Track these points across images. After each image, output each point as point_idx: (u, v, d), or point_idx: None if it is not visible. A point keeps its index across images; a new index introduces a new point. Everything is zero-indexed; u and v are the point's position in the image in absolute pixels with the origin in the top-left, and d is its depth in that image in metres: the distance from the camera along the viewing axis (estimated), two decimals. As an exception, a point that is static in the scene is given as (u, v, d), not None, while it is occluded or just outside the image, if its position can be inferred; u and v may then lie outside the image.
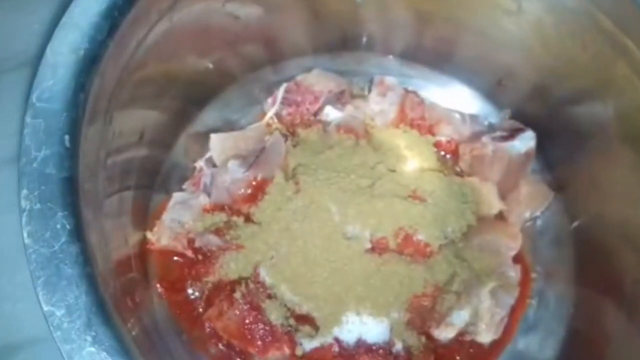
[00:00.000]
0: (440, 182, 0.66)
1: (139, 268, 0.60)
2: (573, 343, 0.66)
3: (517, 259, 0.68)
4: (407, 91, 0.77)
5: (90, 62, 0.43)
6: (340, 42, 0.79)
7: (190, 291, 0.65)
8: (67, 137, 0.40)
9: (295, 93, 0.76)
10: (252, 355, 0.61)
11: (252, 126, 0.75)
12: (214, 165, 0.72)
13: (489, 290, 0.64)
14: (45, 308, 0.36)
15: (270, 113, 0.76)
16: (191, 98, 0.72)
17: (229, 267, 0.64)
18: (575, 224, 0.70)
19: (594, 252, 0.67)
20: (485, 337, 0.64)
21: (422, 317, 0.61)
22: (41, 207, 0.38)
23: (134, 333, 0.50)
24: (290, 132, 0.75)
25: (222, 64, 0.73)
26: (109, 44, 0.45)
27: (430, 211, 0.62)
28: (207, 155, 0.73)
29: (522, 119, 0.73)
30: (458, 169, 0.73)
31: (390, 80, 0.77)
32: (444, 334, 0.63)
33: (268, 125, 0.76)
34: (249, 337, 0.60)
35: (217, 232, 0.66)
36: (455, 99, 0.78)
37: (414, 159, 0.69)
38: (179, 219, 0.67)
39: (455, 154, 0.73)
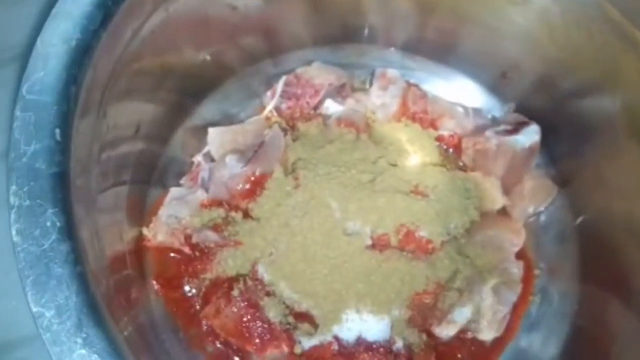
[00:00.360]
0: (442, 177, 0.64)
1: (134, 265, 0.59)
2: (577, 341, 0.65)
3: (520, 255, 0.67)
4: (409, 84, 0.75)
5: (82, 53, 0.42)
6: (341, 34, 0.77)
7: (187, 288, 0.64)
8: (57, 130, 0.39)
9: (295, 86, 0.75)
10: (250, 353, 0.60)
11: (251, 120, 0.74)
12: (212, 160, 0.71)
13: (491, 287, 0.63)
14: (34, 309, 0.35)
15: (270, 106, 0.74)
16: (189, 91, 0.71)
17: (227, 263, 0.63)
18: (580, 219, 0.69)
19: (598, 248, 0.66)
20: (487, 334, 0.63)
21: (423, 314, 0.60)
22: (30, 204, 0.37)
23: (127, 332, 0.48)
24: (290, 126, 0.73)
25: (220, 56, 0.72)
26: (102, 35, 0.43)
27: (432, 207, 0.60)
28: (205, 149, 0.71)
29: (527, 113, 0.72)
30: (461, 164, 0.71)
31: (392, 73, 0.76)
32: (445, 331, 0.62)
33: (267, 118, 0.74)
34: (247, 335, 0.59)
35: (215, 228, 0.65)
36: (458, 92, 0.76)
37: (415, 154, 0.67)
38: (176, 215, 0.65)
39: (458, 148, 0.72)
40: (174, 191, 0.68)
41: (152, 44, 0.55)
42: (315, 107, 0.74)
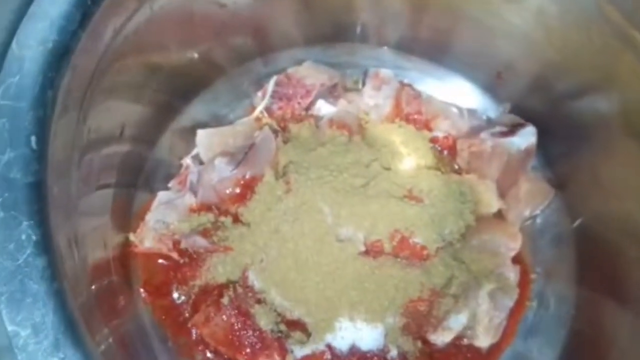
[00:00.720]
0: (437, 181, 0.63)
1: (120, 272, 0.57)
2: (574, 346, 0.64)
3: (516, 259, 0.66)
4: (402, 84, 0.74)
5: (60, 56, 0.40)
6: (332, 33, 0.75)
7: (175, 295, 0.63)
8: (33, 137, 0.37)
9: (286, 86, 0.73)
10: (241, 363, 0.58)
11: (240, 121, 0.72)
12: (201, 163, 0.69)
13: (487, 292, 0.62)
14: (10, 327, 0.33)
15: (260, 107, 0.72)
16: (176, 91, 0.69)
17: (217, 270, 0.61)
18: (576, 222, 0.68)
19: (596, 251, 0.65)
20: (483, 341, 0.62)
21: (418, 321, 0.59)
22: (4, 216, 0.35)
23: (112, 342, 0.47)
24: (281, 127, 0.72)
25: (208, 55, 0.70)
26: (81, 35, 0.41)
27: (427, 212, 0.59)
28: (194, 151, 0.70)
29: (522, 113, 0.71)
30: (455, 166, 0.70)
31: (385, 72, 0.74)
32: (441, 338, 0.61)
33: (258, 119, 0.72)
34: (237, 344, 0.58)
35: (204, 233, 0.63)
36: (453, 92, 0.75)
37: (409, 156, 0.66)
38: (163, 220, 0.63)
39: (452, 149, 0.70)
40: (161, 195, 0.66)
41: (136, 43, 0.53)
42: (307, 108, 0.72)
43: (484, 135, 0.67)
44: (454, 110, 0.72)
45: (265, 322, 0.58)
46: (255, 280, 0.60)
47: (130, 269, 0.62)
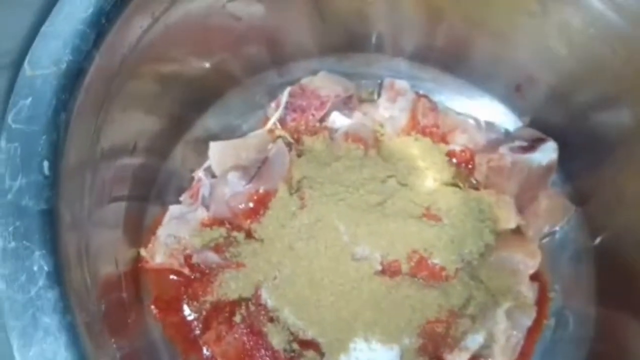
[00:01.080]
0: (456, 198, 0.61)
1: (130, 288, 0.56)
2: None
3: (534, 276, 0.65)
4: (418, 95, 0.72)
5: (74, 77, 0.39)
6: (347, 43, 0.74)
7: (187, 312, 0.62)
8: (46, 163, 0.36)
9: (300, 97, 0.72)
10: (253, 382, 0.57)
11: (253, 133, 0.71)
12: (213, 176, 0.68)
13: (504, 310, 0.61)
14: (21, 363, 0.32)
15: (274, 119, 0.71)
16: (189, 103, 0.68)
17: (229, 286, 0.60)
18: (597, 239, 0.66)
19: (617, 269, 0.63)
20: (500, 360, 0.60)
21: (434, 342, 0.58)
22: (16, 246, 0.34)
23: (121, 357, 0.46)
24: (294, 139, 0.70)
25: (222, 66, 0.69)
26: (95, 55, 0.40)
27: (446, 233, 0.57)
28: (206, 164, 0.69)
29: (542, 127, 0.69)
30: (473, 180, 0.68)
31: (400, 83, 0.73)
32: (457, 358, 0.59)
33: (271, 131, 0.71)
34: (250, 363, 0.56)
35: (216, 248, 0.62)
36: (470, 104, 0.73)
37: (427, 171, 0.64)
38: (175, 234, 0.63)
39: (469, 163, 0.69)
40: (173, 209, 0.65)
41: (151, 59, 0.52)
42: (321, 120, 0.71)
43: (503, 150, 0.65)
44: (472, 122, 0.71)
45: (277, 341, 0.57)
46: (268, 298, 0.59)
47: (140, 285, 0.61)
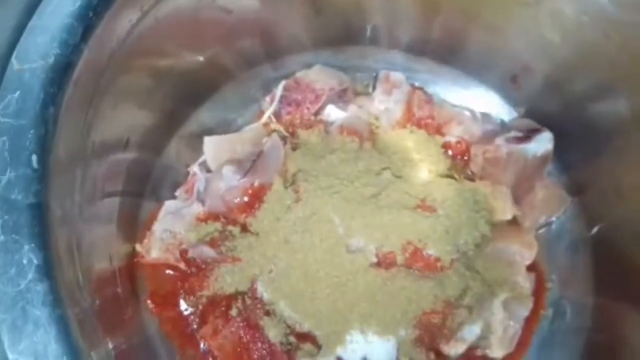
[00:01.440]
0: (451, 190, 0.61)
1: (125, 283, 0.57)
2: (592, 357, 0.62)
3: (531, 267, 0.64)
4: (414, 88, 0.72)
5: (62, 70, 0.39)
6: (342, 36, 0.74)
7: (183, 306, 0.62)
8: (34, 157, 0.36)
9: (294, 91, 0.71)
10: (250, 376, 0.57)
11: (248, 127, 0.71)
12: (208, 170, 0.68)
13: (501, 301, 0.61)
14: (11, 356, 0.32)
15: (268, 112, 0.71)
16: (183, 97, 0.68)
17: (225, 280, 0.60)
18: (594, 230, 0.66)
19: (613, 259, 0.63)
20: (497, 351, 0.61)
21: (431, 333, 0.58)
22: (5, 239, 0.34)
23: (118, 354, 0.46)
24: (289, 133, 0.70)
25: (216, 60, 0.68)
26: (84, 49, 0.40)
27: (441, 224, 0.57)
28: (201, 159, 0.69)
29: (538, 118, 0.69)
30: (469, 172, 0.68)
31: (396, 76, 0.72)
32: (454, 349, 0.59)
33: (266, 125, 0.71)
34: (246, 357, 0.57)
35: (212, 243, 0.62)
36: (466, 96, 0.73)
37: (422, 163, 0.64)
38: (170, 229, 0.63)
39: (465, 155, 0.69)
40: (168, 205, 0.65)
41: (141, 52, 0.52)
42: (316, 113, 0.71)
43: (498, 141, 0.65)
44: (467, 114, 0.71)
45: (274, 334, 0.57)
46: (264, 291, 0.59)
47: (136, 280, 0.61)
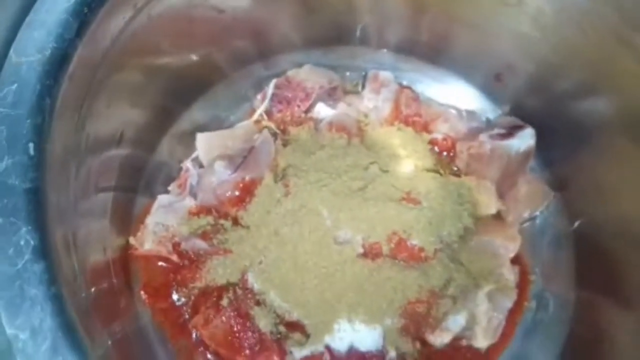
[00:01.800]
0: (435, 183, 0.63)
1: (119, 274, 0.58)
2: (574, 348, 0.64)
3: (515, 260, 0.66)
4: (401, 87, 0.74)
5: (57, 64, 0.40)
6: (333, 36, 0.76)
7: (175, 297, 0.63)
8: (31, 145, 0.38)
9: (285, 89, 0.73)
10: (240, 364, 0.59)
11: (240, 124, 0.73)
12: (201, 166, 0.69)
13: (485, 293, 0.63)
14: (9, 331, 0.33)
15: (260, 110, 0.73)
16: (176, 95, 0.69)
17: (216, 272, 0.62)
18: (575, 224, 0.68)
19: (595, 253, 0.64)
20: (481, 341, 0.62)
21: (416, 323, 0.59)
22: (3, 222, 0.36)
23: (112, 344, 0.47)
24: (280, 130, 0.72)
25: (209, 59, 0.70)
26: (78, 43, 0.42)
27: (424, 215, 0.59)
28: (194, 154, 0.70)
29: (521, 115, 0.71)
30: (455, 168, 0.70)
31: (384, 75, 0.74)
32: (440, 339, 0.61)
33: (257, 122, 0.73)
34: (237, 345, 0.58)
35: (204, 235, 0.63)
36: (452, 94, 0.75)
37: (408, 158, 0.66)
38: (163, 223, 0.64)
39: (451, 151, 0.71)
40: (161, 199, 0.66)
41: (135, 50, 0.54)
42: (307, 111, 0.73)
43: (482, 137, 0.67)
44: (453, 112, 0.73)
45: (264, 323, 0.58)
46: (254, 282, 0.60)
47: (130, 272, 0.62)
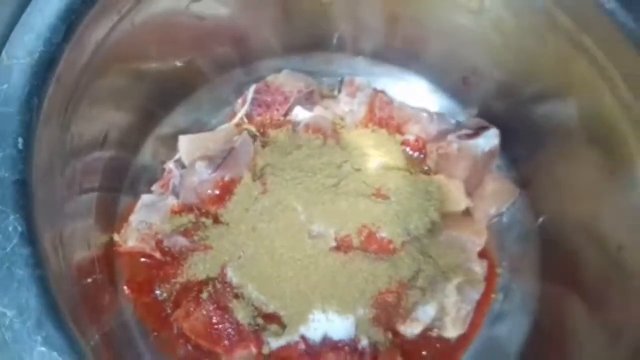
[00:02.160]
0: (404, 180, 0.66)
1: (104, 270, 0.61)
2: (538, 337, 0.67)
3: (483, 254, 0.69)
4: (376, 91, 0.77)
5: (45, 65, 0.44)
6: (311, 43, 0.79)
7: (158, 292, 0.65)
8: (20, 139, 0.41)
9: (265, 93, 0.76)
10: (220, 355, 0.61)
11: (221, 127, 0.76)
12: (183, 167, 0.72)
13: (454, 285, 0.65)
14: (-3, 309, 0.36)
15: (240, 114, 0.76)
16: (159, 99, 0.72)
17: (197, 267, 0.64)
18: (540, 220, 0.71)
19: (557, 248, 0.68)
20: (451, 331, 0.65)
21: (387, 313, 0.62)
22: (-7, 210, 0.38)
23: (97, 336, 0.50)
24: (260, 133, 0.75)
25: (191, 65, 0.73)
26: (65, 47, 0.45)
27: (392, 209, 0.62)
28: (176, 156, 0.73)
29: (488, 117, 0.74)
30: (426, 167, 0.74)
31: (360, 80, 0.78)
32: (410, 329, 0.64)
33: (238, 125, 0.76)
34: (216, 337, 0.61)
35: (185, 233, 0.66)
36: (424, 98, 0.79)
37: (380, 158, 0.70)
38: (146, 221, 0.67)
39: (422, 151, 0.74)
40: (144, 198, 0.69)
41: (119, 55, 0.57)
42: (285, 114, 0.76)
43: (450, 137, 0.71)
44: (424, 115, 0.76)
45: (242, 315, 0.61)
46: (233, 276, 0.63)
47: (114, 268, 0.65)
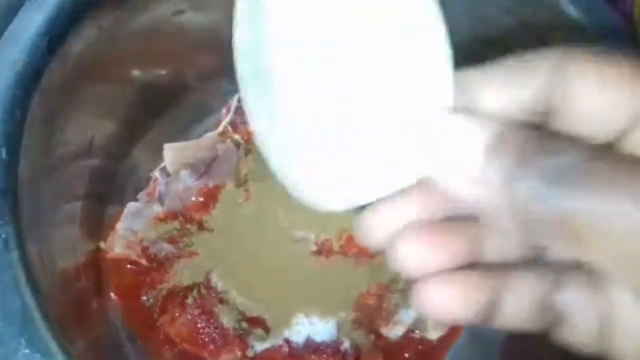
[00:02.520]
0: (384, 185, 0.68)
1: (90, 277, 0.61)
2: (518, 336, 0.68)
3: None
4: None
5: (29, 75, 0.45)
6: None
7: (144, 298, 0.67)
8: (3, 149, 0.42)
9: (249, 102, 0.78)
10: (206, 359, 0.62)
11: (206, 135, 0.77)
12: (168, 175, 0.73)
13: (436, 287, 0.67)
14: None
15: (225, 122, 0.77)
16: (145, 108, 0.73)
17: (183, 273, 0.66)
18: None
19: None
20: (433, 333, 0.67)
21: (369, 316, 0.64)
22: (-22, 217, 0.40)
23: (84, 342, 0.51)
24: (244, 140, 0.77)
25: (175, 74, 0.74)
26: (48, 58, 0.46)
27: (372, 213, 0.64)
28: (162, 165, 0.74)
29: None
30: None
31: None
32: (393, 331, 0.65)
33: (223, 134, 0.77)
34: (201, 341, 0.62)
35: (171, 239, 0.67)
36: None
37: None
38: (132, 228, 0.68)
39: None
40: (130, 206, 0.70)
41: (103, 66, 0.58)
42: (269, 122, 0.77)
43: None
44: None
45: (227, 320, 0.62)
46: (218, 281, 0.64)
47: (101, 275, 0.66)
